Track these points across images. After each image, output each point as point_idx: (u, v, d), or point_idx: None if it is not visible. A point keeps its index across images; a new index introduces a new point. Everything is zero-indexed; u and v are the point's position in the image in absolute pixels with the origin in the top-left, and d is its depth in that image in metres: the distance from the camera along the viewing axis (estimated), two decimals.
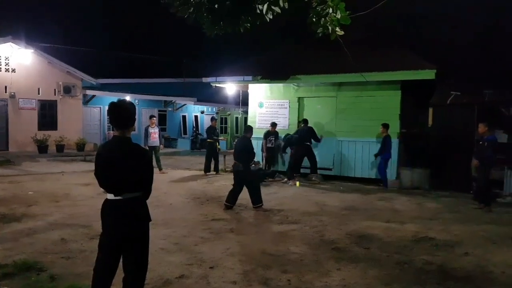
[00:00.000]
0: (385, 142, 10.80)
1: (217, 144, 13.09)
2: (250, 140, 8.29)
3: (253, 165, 8.20)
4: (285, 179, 11.45)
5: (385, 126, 10.82)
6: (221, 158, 13.45)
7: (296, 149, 11.44)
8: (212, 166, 12.86)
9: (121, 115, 3.18)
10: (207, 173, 12.69)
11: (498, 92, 12.46)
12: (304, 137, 11.47)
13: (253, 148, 8.26)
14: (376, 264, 4.96)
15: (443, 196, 9.83)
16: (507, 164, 9.97)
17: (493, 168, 8.75)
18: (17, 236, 5.73)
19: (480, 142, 8.60)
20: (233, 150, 8.32)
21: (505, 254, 5.35)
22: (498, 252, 5.42)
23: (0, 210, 7.24)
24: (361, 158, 11.53)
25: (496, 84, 12.17)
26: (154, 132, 12.62)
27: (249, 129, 8.45)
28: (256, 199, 7.91)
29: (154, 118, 12.94)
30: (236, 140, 8.53)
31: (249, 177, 7.99)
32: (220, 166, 13.14)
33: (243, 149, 7.96)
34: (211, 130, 13.16)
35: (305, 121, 11.72)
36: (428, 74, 10.08)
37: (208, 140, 13.03)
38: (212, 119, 14.08)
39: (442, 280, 4.49)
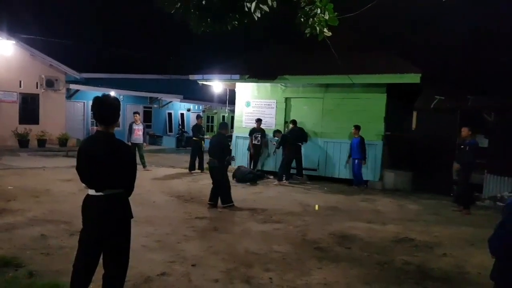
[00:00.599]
0: (363, 144, 10.95)
1: (203, 142, 13.05)
2: (225, 137, 8.29)
3: (227, 161, 8.17)
4: (276, 182, 11.33)
5: (358, 128, 10.99)
6: (206, 156, 13.41)
7: (289, 150, 11.39)
8: (197, 164, 12.82)
9: (105, 110, 3.16)
10: (192, 171, 12.65)
11: (480, 98, 12.72)
12: (297, 137, 11.53)
13: (228, 145, 8.25)
14: (357, 264, 5.03)
15: (425, 198, 9.99)
16: (487, 168, 10.20)
17: (474, 172, 8.94)
18: None
19: (462, 146, 8.78)
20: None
21: (482, 256, 5.45)
22: (475, 254, 5.56)
23: None
24: (345, 159, 11.63)
25: (479, 89, 12.42)
26: (138, 129, 12.51)
27: (224, 126, 8.39)
28: (226, 198, 7.90)
29: (138, 115, 12.84)
30: (211, 137, 8.50)
31: (222, 175, 7.98)
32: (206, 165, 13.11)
33: (218, 145, 7.93)
34: (196, 128, 13.11)
35: (294, 122, 11.77)
36: (413, 78, 10.23)
37: (194, 138, 12.99)
38: (198, 117, 14.03)
39: (421, 280, 4.59)
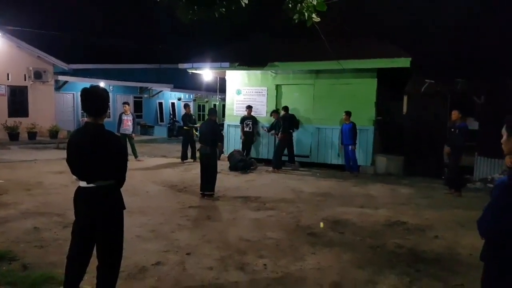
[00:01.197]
0: (355, 129, 10.97)
1: (194, 131, 13.02)
2: (216, 123, 8.25)
3: (219, 149, 8.14)
4: (270, 169, 11.30)
5: (349, 114, 11.00)
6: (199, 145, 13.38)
7: (282, 137, 11.38)
8: (189, 153, 12.81)
9: (93, 101, 3.13)
10: (184, 161, 12.64)
11: (470, 81, 12.80)
12: (289, 124, 11.52)
13: (220, 130, 8.20)
14: (350, 248, 5.10)
15: (416, 182, 10.10)
16: (477, 151, 10.32)
17: (464, 154, 9.04)
18: None
19: (452, 129, 8.85)
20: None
21: (473, 237, 5.52)
22: (466, 235, 5.65)
23: None
24: (337, 145, 11.68)
25: (469, 72, 12.49)
26: (127, 119, 12.44)
27: (213, 112, 8.33)
28: (211, 186, 7.89)
29: (128, 105, 12.75)
30: (201, 124, 8.43)
31: (213, 162, 7.98)
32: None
33: (209, 132, 7.88)
34: (186, 117, 13.07)
35: (286, 108, 11.73)
36: (404, 63, 10.26)
37: (184, 127, 12.95)
38: (185, 106, 13.96)
39: (413, 263, 4.66)
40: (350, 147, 11.01)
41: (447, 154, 8.98)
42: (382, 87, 11.60)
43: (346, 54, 10.68)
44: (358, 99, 11.28)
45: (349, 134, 10.94)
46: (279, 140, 11.50)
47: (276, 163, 11.32)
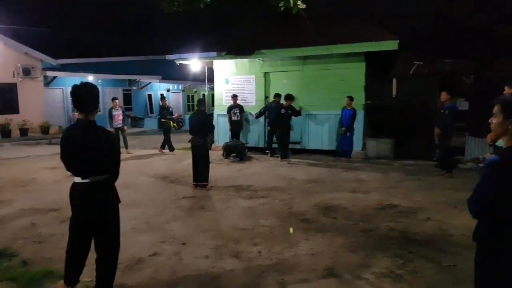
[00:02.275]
0: (355, 116, 10.97)
1: (171, 123, 13.16)
2: (205, 113, 8.26)
3: (210, 139, 8.18)
4: (286, 159, 11.09)
5: (352, 99, 10.95)
6: (177, 137, 13.49)
7: (281, 126, 11.16)
8: (162, 144, 13.02)
9: (84, 98, 3.19)
10: (167, 151, 12.84)
11: (458, 61, 12.89)
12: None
13: (211, 121, 8.21)
14: (342, 233, 5.22)
15: (407, 165, 10.24)
16: (468, 131, 10.45)
17: (455, 135, 9.15)
18: None
19: (442, 111, 8.95)
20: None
21: (465, 218, 5.62)
22: (458, 216, 5.76)
23: None
24: (328, 130, 11.78)
25: (457, 53, 12.58)
26: (118, 114, 12.51)
27: (202, 102, 8.34)
28: (204, 176, 7.96)
29: (117, 100, 12.78)
30: (190, 115, 8.45)
31: (206, 152, 8.04)
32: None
33: (200, 123, 7.90)
34: (163, 110, 13.13)
35: (279, 96, 11.68)
36: (391, 45, 10.30)
37: (162, 120, 13.03)
38: (162, 98, 13.99)
39: (405, 245, 4.77)
40: (348, 133, 11.05)
41: (437, 135, 9.09)
42: (370, 71, 11.66)
43: (333, 39, 10.71)
44: (347, 84, 11.33)
45: (350, 119, 10.95)
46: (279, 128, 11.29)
47: (285, 153, 11.16)
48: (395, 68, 13.52)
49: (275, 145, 11.76)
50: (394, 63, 12.47)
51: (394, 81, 13.61)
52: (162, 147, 13.02)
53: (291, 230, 5.33)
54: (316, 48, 10.93)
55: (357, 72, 11.32)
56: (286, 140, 11.28)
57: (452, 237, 5.04)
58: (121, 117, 12.53)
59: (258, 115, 12.05)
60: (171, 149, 12.89)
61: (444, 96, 8.90)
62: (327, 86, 11.65)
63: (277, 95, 11.57)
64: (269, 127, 11.83)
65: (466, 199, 2.26)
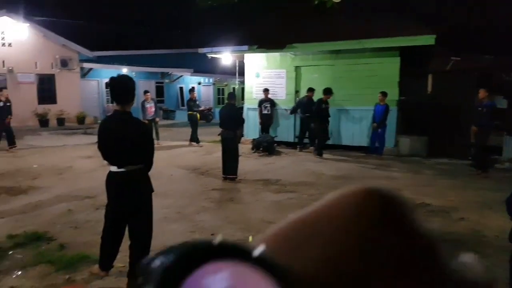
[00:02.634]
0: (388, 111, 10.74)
1: (198, 115, 13.30)
2: (236, 106, 8.31)
3: (240, 133, 8.24)
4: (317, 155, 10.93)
5: (385, 94, 10.72)
6: (202, 130, 13.63)
7: (322, 120, 10.94)
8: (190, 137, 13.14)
9: (121, 90, 3.31)
10: (198, 144, 12.98)
11: (499, 58, 12.42)
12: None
13: (241, 114, 8.26)
14: None
15: (441, 163, 10.00)
16: (506, 130, 10.09)
17: (492, 134, 8.87)
18: (25, 208, 5.95)
19: (479, 108, 8.69)
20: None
21: (500, 219, 5.46)
22: (493, 217, 5.56)
23: (7, 183, 7.45)
24: (359, 126, 11.64)
25: (496, 49, 12.15)
26: (150, 106, 12.80)
27: (232, 96, 8.39)
28: (233, 169, 8.02)
29: (148, 93, 13.07)
30: (221, 108, 8.49)
31: (236, 146, 8.11)
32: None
33: (231, 116, 7.96)
34: (191, 102, 13.28)
35: (312, 90, 11.43)
36: (428, 40, 10.03)
37: (189, 112, 13.18)
38: (191, 90, 14.10)
39: None
40: (379, 129, 10.86)
41: (474, 133, 8.82)
42: (405, 66, 11.40)
43: (367, 33, 10.52)
44: (380, 79, 11.12)
45: (382, 115, 10.74)
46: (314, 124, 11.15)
47: (319, 149, 10.98)
48: (431, 64, 13.17)
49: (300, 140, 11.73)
50: (430, 58, 12.14)
51: (430, 77, 13.29)
52: (191, 139, 13.20)
53: None
54: (348, 42, 10.79)
55: (391, 67, 11.09)
56: (325, 135, 11.12)
57: (486, 238, 4.91)
58: (153, 109, 12.80)
59: (292, 111, 11.96)
60: (197, 141, 13.03)
61: (482, 93, 8.63)
62: (359, 81, 11.48)
63: (311, 90, 11.44)
64: (310, 122, 11.41)
65: (502, 200, 2.21)
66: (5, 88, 11.92)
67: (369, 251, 0.26)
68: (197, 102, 13.59)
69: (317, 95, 11.76)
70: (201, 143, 12.96)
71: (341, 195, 0.30)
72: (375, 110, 10.94)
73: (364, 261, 0.26)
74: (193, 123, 13.07)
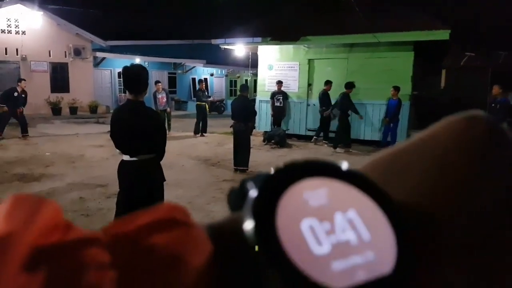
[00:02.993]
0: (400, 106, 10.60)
1: (207, 106, 13.24)
2: (248, 99, 8.28)
3: (252, 125, 8.21)
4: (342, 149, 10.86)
5: (398, 89, 10.63)
6: (211, 122, 13.62)
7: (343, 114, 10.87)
8: (200, 127, 13.13)
9: (133, 79, 3.30)
10: (196, 135, 12.94)
11: None
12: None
13: (253, 106, 8.25)
14: None
15: None
16: None
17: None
18: (39, 194, 6.00)
19: (493, 105, 8.59)
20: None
21: None
22: None
23: (20, 170, 7.54)
24: (371, 120, 11.55)
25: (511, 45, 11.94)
26: (162, 96, 12.79)
27: (245, 88, 8.31)
28: (245, 161, 7.99)
29: (160, 84, 13.07)
30: (233, 100, 8.46)
31: (248, 138, 8.08)
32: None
33: (243, 108, 7.90)
34: (199, 92, 13.25)
35: (330, 83, 11.31)
36: (442, 35, 9.91)
37: (197, 102, 13.16)
38: (200, 81, 14.07)
39: None
40: (391, 124, 10.75)
41: None
42: (419, 61, 11.27)
43: (382, 26, 10.40)
44: (393, 73, 11.00)
45: (395, 110, 10.63)
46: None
47: (347, 143, 10.91)
48: (445, 59, 12.99)
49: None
50: (445, 53, 11.97)
51: (444, 72, 13.11)
52: (203, 130, 13.21)
53: None
54: (363, 36, 10.67)
55: (405, 61, 10.96)
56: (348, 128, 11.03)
57: None
58: (165, 100, 12.81)
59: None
60: (197, 132, 12.97)
61: (496, 89, 8.52)
62: (373, 75, 11.36)
63: (328, 82, 11.32)
64: (330, 115, 11.28)
65: None
66: (24, 80, 11.98)
67: (473, 180, 0.24)
68: (206, 93, 13.57)
69: (332, 89, 11.63)
70: (205, 134, 12.92)
71: (442, 124, 0.28)
72: (388, 104, 10.85)
73: (467, 192, 0.24)
74: (200, 114, 13.03)
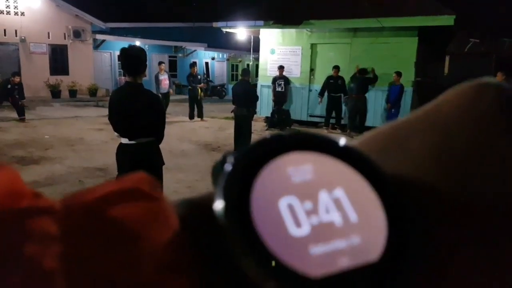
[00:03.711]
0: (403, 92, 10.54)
1: (199, 91, 12.97)
2: (250, 83, 8.18)
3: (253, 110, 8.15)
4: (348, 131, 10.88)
5: (400, 74, 10.58)
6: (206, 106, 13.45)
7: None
8: (197, 112, 12.96)
9: (132, 61, 3.22)
10: (191, 120, 12.79)
11: None
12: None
13: (255, 91, 8.18)
14: None
15: None
16: None
17: None
18: (37, 178, 5.98)
19: None
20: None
21: None
22: None
23: (19, 153, 7.50)
24: (373, 107, 11.45)
25: None
26: (164, 78, 12.61)
27: (246, 72, 8.18)
28: (246, 146, 7.92)
29: (163, 64, 12.90)
30: (234, 85, 8.36)
31: (249, 123, 8.02)
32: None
33: (245, 93, 7.81)
34: (190, 77, 12.99)
35: (337, 68, 11.21)
36: (447, 20, 9.76)
37: (189, 87, 12.99)
38: (191, 65, 13.82)
39: None
40: (393, 110, 10.69)
41: None
42: (423, 47, 11.13)
43: (386, 11, 10.24)
44: (397, 59, 10.86)
45: (396, 96, 10.55)
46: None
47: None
48: (449, 45, 12.84)
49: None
50: (449, 39, 11.82)
51: (447, 58, 12.98)
52: (199, 115, 13.03)
53: None
54: (366, 20, 10.52)
55: (409, 47, 10.81)
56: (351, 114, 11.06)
57: None
58: (167, 82, 12.66)
59: (321, 93, 11.56)
60: (191, 117, 12.83)
61: (499, 76, 8.43)
62: (376, 60, 11.21)
63: (336, 67, 11.19)
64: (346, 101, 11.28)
65: None
66: (18, 74, 12.01)
67: (483, 150, 0.22)
68: (199, 77, 13.36)
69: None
70: (205, 119, 12.77)
71: (449, 94, 0.25)
72: (390, 90, 10.76)
73: (477, 161, 0.21)
74: (191, 99, 12.83)
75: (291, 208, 0.19)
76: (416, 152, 0.22)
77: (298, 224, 0.18)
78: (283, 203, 0.19)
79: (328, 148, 0.21)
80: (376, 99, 11.36)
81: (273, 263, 0.17)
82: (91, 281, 0.16)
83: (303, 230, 0.18)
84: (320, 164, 0.20)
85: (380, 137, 0.25)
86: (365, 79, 10.81)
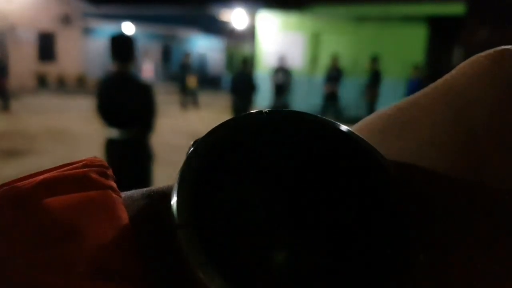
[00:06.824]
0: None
1: (193, 80, 13.28)
2: (248, 73, 8.23)
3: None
4: None
5: (417, 68, 10.51)
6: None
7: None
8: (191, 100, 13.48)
9: (121, 47, 3.24)
10: (184, 108, 13.20)
11: None
12: None
13: (253, 81, 8.23)
14: None
15: None
16: None
17: None
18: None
19: None
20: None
21: None
22: None
23: (5, 145, 7.53)
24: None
25: None
26: (147, 66, 12.89)
27: (245, 62, 8.32)
28: None
29: (149, 52, 13.09)
30: (233, 75, 8.41)
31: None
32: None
33: (243, 83, 7.89)
34: (181, 68, 13.43)
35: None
36: (457, 8, 9.78)
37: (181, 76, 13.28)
38: (185, 55, 13.98)
39: None
40: None
41: None
42: (432, 36, 11.13)
43: None
44: (404, 49, 10.88)
45: (417, 90, 10.49)
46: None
47: None
48: (462, 35, 12.81)
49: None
50: (460, 29, 11.79)
51: (460, 49, 12.95)
52: (195, 104, 13.32)
53: None
54: (372, 7, 10.51)
55: (417, 36, 10.83)
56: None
57: None
58: (151, 70, 12.90)
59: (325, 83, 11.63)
60: (183, 105, 13.14)
61: None
62: (383, 50, 11.18)
63: (335, 58, 11.14)
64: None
65: None
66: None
67: (500, 134, 0.19)
68: (190, 67, 13.57)
69: (340, 65, 11.52)
70: (201, 110, 12.91)
71: (462, 65, 0.23)
72: (410, 84, 10.69)
73: (499, 135, 0.19)
74: (181, 89, 13.18)
75: None
76: (422, 135, 0.21)
77: None
78: None
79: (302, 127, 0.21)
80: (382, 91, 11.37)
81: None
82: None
83: None
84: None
85: (383, 118, 0.23)
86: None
